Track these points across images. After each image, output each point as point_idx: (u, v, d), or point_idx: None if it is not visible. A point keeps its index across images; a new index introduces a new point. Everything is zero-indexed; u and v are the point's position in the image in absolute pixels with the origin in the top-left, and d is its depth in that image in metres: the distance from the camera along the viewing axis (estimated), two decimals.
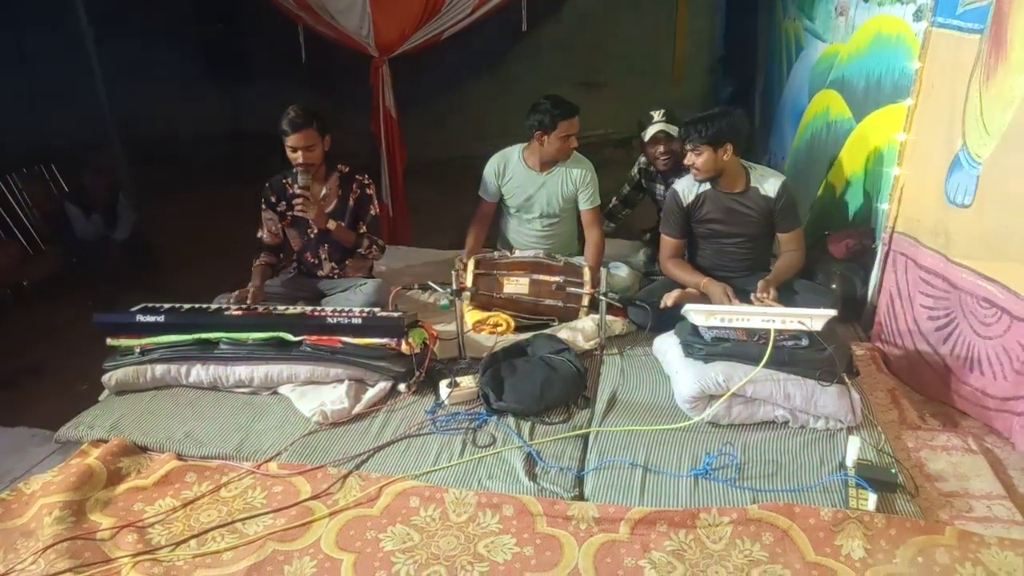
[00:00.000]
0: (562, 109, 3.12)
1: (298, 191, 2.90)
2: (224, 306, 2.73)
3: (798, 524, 1.86)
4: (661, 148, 3.33)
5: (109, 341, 2.62)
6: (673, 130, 3.27)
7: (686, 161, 2.83)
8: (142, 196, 5.10)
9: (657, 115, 3.32)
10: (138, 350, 2.59)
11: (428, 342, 2.60)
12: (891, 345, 2.72)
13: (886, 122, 2.95)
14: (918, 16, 2.70)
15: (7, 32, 5.07)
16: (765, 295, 2.63)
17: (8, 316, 4.26)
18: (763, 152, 5.03)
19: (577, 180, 3.27)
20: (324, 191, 3.02)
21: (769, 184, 2.82)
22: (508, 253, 3.27)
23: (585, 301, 2.95)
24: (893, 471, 2.00)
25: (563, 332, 2.80)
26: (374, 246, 3.11)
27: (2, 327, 4.17)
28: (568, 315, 2.97)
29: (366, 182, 3.09)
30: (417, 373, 2.52)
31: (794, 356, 2.28)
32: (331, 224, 2.98)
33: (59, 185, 5.11)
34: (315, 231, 3.04)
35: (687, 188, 2.92)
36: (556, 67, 6.71)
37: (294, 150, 2.86)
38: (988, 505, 1.96)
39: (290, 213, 3.02)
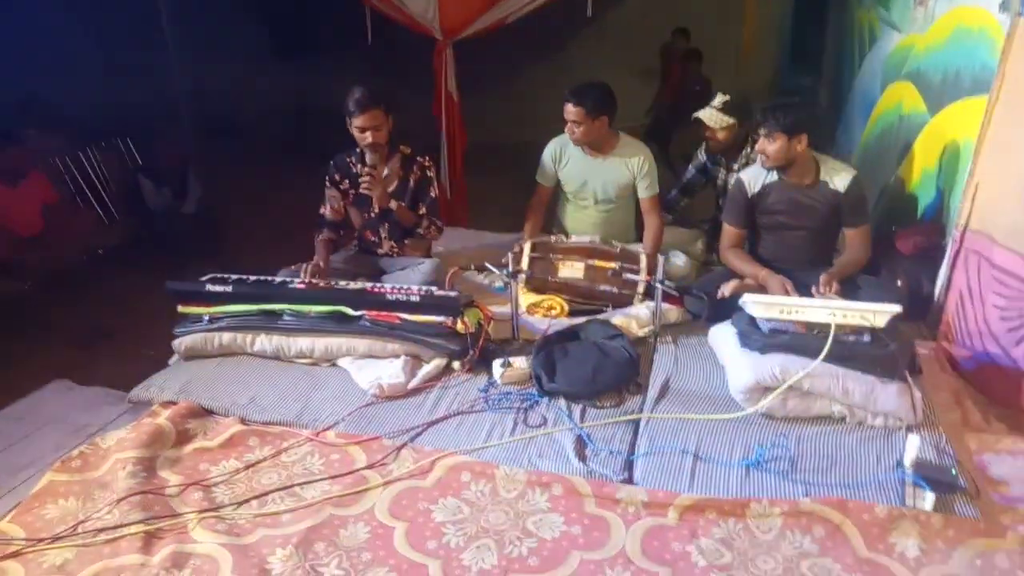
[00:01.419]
0: (568, 91, 3.14)
1: (365, 171, 2.96)
2: (288, 279, 2.82)
3: (851, 519, 1.83)
4: (706, 133, 3.33)
5: (180, 308, 2.73)
6: (712, 119, 3.24)
7: (758, 147, 2.79)
8: (208, 170, 5.28)
9: (717, 100, 3.28)
10: (207, 318, 2.69)
11: (483, 322, 2.64)
12: (958, 345, 2.63)
13: (963, 117, 2.84)
14: (1004, 6, 2.59)
15: (87, 10, 5.29)
16: (827, 288, 2.58)
17: (84, 282, 4.48)
18: (830, 144, 4.90)
19: (634, 167, 3.25)
20: (386, 171, 3.08)
21: (840, 179, 2.76)
22: (564, 238, 3.28)
23: (641, 288, 2.94)
24: (954, 472, 1.95)
25: (617, 318, 2.80)
26: (432, 227, 3.17)
27: (78, 292, 4.39)
28: (622, 302, 2.96)
29: (427, 164, 3.14)
30: (471, 352, 2.56)
31: (855, 351, 2.23)
32: (392, 204, 3.04)
33: (133, 157, 5.32)
34: (377, 210, 3.10)
35: (753, 177, 2.88)
36: (619, 53, 6.67)
37: (362, 130, 2.92)
38: None
39: (352, 191, 3.09)
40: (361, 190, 3.01)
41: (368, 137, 2.92)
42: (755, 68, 6.74)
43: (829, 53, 5.81)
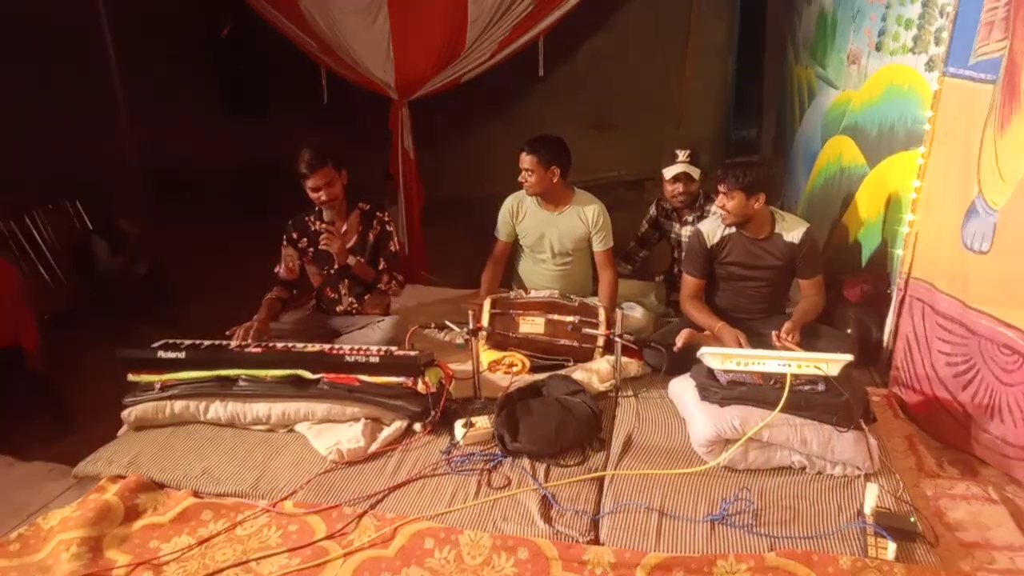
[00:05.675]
0: (525, 143, 3.24)
1: (323, 227, 2.99)
2: (243, 343, 2.76)
3: (816, 572, 1.83)
4: (680, 187, 3.37)
5: (130, 376, 2.64)
6: (695, 172, 3.32)
7: (717, 202, 2.88)
8: (160, 229, 5.18)
9: (682, 154, 3.35)
10: (158, 386, 2.61)
11: (444, 382, 2.61)
12: (908, 391, 2.70)
13: (900, 169, 2.98)
14: (930, 66, 2.75)
15: (34, 66, 5.20)
16: (788, 337, 2.64)
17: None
18: (776, 196, 5.04)
19: (588, 219, 3.31)
20: (345, 227, 3.09)
21: (794, 232, 2.86)
22: (523, 293, 3.30)
23: (600, 342, 2.96)
24: (912, 520, 1.97)
25: (578, 373, 2.81)
26: (393, 282, 3.19)
27: (22, 361, 4.20)
28: (583, 356, 2.97)
29: (386, 219, 3.18)
30: (433, 413, 2.52)
31: (811, 401, 2.27)
32: (351, 259, 3.03)
33: (81, 219, 5.20)
34: (336, 267, 3.09)
35: (712, 230, 2.96)
36: (570, 108, 6.81)
37: (315, 189, 2.94)
38: (1011, 557, 1.93)
39: (311, 249, 3.09)
40: (321, 246, 3.01)
41: (322, 195, 2.96)
42: (699, 121, 6.93)
43: (767, 108, 6.07)
